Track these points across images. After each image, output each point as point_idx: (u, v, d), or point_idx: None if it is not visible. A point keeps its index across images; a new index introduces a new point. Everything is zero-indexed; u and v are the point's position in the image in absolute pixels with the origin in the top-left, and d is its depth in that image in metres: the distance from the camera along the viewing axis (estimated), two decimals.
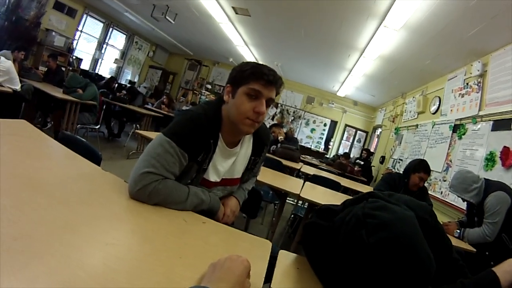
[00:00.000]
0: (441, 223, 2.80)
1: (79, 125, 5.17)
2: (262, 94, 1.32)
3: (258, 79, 1.30)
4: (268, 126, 8.56)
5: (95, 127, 5.55)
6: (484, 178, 2.90)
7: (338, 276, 0.93)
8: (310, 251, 1.11)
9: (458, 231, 2.82)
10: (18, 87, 4.25)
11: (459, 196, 2.96)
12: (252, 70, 1.31)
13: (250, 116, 1.32)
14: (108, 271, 0.73)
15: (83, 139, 1.86)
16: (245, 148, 1.57)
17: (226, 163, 1.48)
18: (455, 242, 2.59)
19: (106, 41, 10.85)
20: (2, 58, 4.07)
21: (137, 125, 7.28)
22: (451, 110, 5.36)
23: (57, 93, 4.81)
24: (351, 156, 10.40)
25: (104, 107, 5.94)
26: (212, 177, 1.44)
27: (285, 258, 1.14)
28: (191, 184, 1.36)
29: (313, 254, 1.09)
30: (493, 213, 2.63)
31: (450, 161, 4.90)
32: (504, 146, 3.56)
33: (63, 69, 8.09)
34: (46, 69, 6.61)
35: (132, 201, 1.18)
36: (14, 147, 1.31)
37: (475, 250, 2.53)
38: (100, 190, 1.21)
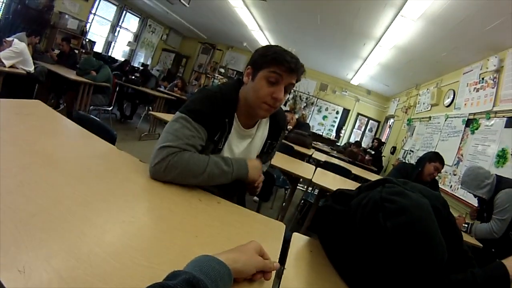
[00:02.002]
0: None
1: (91, 107, 5.23)
2: (281, 80, 1.30)
3: (279, 64, 1.28)
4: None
5: (108, 108, 5.61)
6: (496, 175, 2.90)
7: (351, 260, 0.95)
8: (324, 235, 1.12)
9: (466, 225, 2.84)
10: (31, 68, 4.30)
11: (470, 192, 2.97)
12: (274, 55, 1.29)
13: (268, 101, 1.31)
14: (125, 248, 0.74)
15: (98, 119, 1.89)
16: (262, 131, 1.56)
17: (241, 144, 1.48)
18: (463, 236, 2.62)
19: (120, 24, 10.85)
20: (16, 40, 4.11)
21: (150, 108, 7.31)
22: (465, 104, 5.32)
23: (71, 75, 4.85)
24: (364, 145, 10.38)
25: (117, 89, 5.98)
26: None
27: (298, 240, 1.15)
28: None
29: (327, 237, 1.11)
30: (502, 209, 2.63)
31: (462, 155, 4.88)
32: None
33: (76, 51, 8.14)
34: (59, 51, 6.66)
35: (148, 180, 1.19)
36: (31, 126, 1.34)
37: (481, 245, 2.56)
38: (116, 168, 1.22)
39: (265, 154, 1.64)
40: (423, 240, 0.82)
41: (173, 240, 0.85)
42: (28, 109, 1.51)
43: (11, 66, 3.98)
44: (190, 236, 0.90)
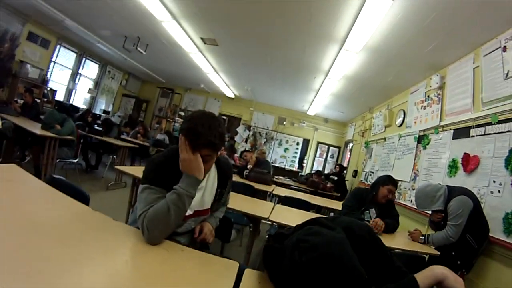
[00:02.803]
0: (408, 232, 3.03)
1: (58, 160, 5.21)
2: (212, 156, 1.60)
3: (208, 147, 1.54)
4: (242, 150, 8.71)
5: (73, 161, 5.59)
6: (446, 185, 3.15)
7: None
8: (268, 268, 1.31)
9: (422, 237, 3.02)
10: None
11: (428, 210, 3.21)
12: (203, 139, 1.50)
13: None
14: None
15: (71, 182, 2.03)
16: (211, 182, 1.80)
17: (195, 197, 1.64)
18: (420, 248, 2.83)
19: (79, 71, 10.82)
20: None
21: (114, 156, 7.31)
22: (415, 122, 5.64)
23: (36, 128, 4.83)
24: (327, 171, 10.64)
25: (81, 140, 6.02)
26: None
27: (250, 275, 1.34)
28: None
29: (270, 270, 1.30)
30: (455, 215, 2.87)
31: (417, 170, 5.13)
32: (465, 153, 3.79)
33: (38, 101, 8.04)
34: (23, 102, 6.58)
35: (122, 238, 1.39)
36: (12, 193, 1.49)
37: (439, 253, 2.76)
38: (94, 229, 1.40)
39: (217, 202, 1.87)
40: (333, 268, 0.99)
41: (145, 285, 1.08)
42: (6, 175, 1.64)
43: None
44: (158, 281, 1.12)
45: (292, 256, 1.07)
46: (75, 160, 5.66)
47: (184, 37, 6.46)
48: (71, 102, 10.70)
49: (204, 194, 1.75)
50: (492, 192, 3.24)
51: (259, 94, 11.16)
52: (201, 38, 6.50)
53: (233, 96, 12.23)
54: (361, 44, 4.73)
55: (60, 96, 10.22)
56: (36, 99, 7.13)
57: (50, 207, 1.52)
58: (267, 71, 7.96)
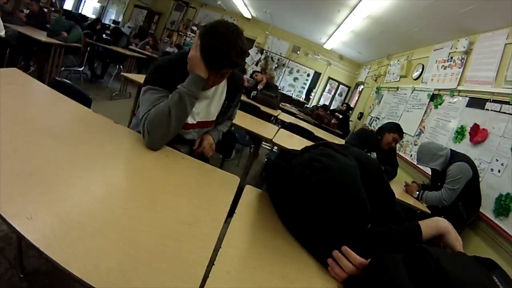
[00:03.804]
0: (404, 182, 3.06)
1: (63, 68, 5.14)
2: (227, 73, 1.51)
3: (229, 66, 1.45)
4: (251, 71, 8.55)
5: (79, 69, 5.52)
6: (450, 149, 3.13)
7: (289, 209, 1.16)
8: (270, 187, 1.32)
9: (418, 192, 3.06)
10: (2, 33, 4.18)
11: (426, 166, 3.20)
12: (226, 56, 1.39)
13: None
14: (107, 195, 0.97)
15: (74, 85, 1.99)
16: (219, 93, 1.71)
17: (200, 105, 1.61)
18: (413, 202, 2.86)
19: None
20: None
21: (121, 66, 7.20)
22: (432, 79, 5.48)
23: (42, 36, 4.69)
24: (333, 108, 10.58)
25: (88, 48, 5.88)
26: (189, 119, 1.58)
27: (250, 192, 1.35)
28: None
29: (272, 189, 1.30)
30: (453, 180, 2.87)
31: (424, 127, 5.11)
32: (475, 123, 3.73)
33: (46, 10, 7.68)
34: (28, 12, 6.30)
35: (122, 140, 1.39)
36: (14, 96, 1.45)
37: (430, 212, 2.79)
38: (94, 130, 1.39)
39: (223, 114, 1.81)
40: (342, 193, 0.99)
41: (144, 188, 1.09)
42: (7, 78, 1.59)
43: None
44: (158, 185, 1.13)
45: (301, 174, 1.06)
46: (81, 69, 5.61)
47: None
48: (80, 12, 10.28)
49: (210, 105, 1.69)
50: (492, 170, 3.24)
51: (277, 19, 10.65)
52: None
53: (249, 17, 11.70)
54: None
55: (68, 5, 9.83)
56: (43, 8, 6.80)
57: (51, 109, 1.50)
58: None
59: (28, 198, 0.80)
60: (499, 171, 3.14)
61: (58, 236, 0.72)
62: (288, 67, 12.49)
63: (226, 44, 1.35)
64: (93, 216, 0.84)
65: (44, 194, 0.85)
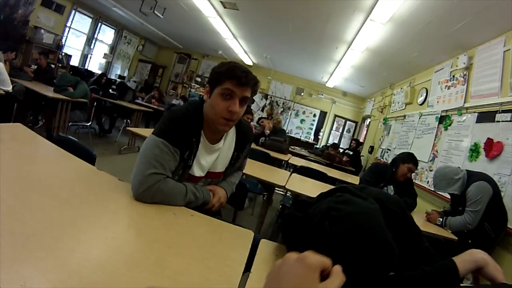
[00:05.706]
0: (425, 212, 2.93)
1: (70, 123, 5.20)
2: (235, 93, 1.41)
3: (231, 79, 1.39)
4: (257, 118, 8.64)
5: (86, 124, 5.58)
6: (466, 170, 3.02)
7: None
8: (288, 240, 1.22)
9: (441, 219, 2.93)
10: (9, 88, 4.26)
11: (445, 192, 3.09)
12: (226, 71, 1.41)
13: (224, 115, 1.42)
14: (109, 260, 0.87)
15: (77, 140, 1.96)
16: (228, 144, 1.66)
17: (210, 158, 1.57)
18: (436, 230, 2.71)
19: (95, 36, 10.74)
20: None
21: (128, 120, 7.31)
22: (438, 102, 5.45)
23: (48, 92, 4.82)
24: (342, 145, 10.51)
25: (95, 103, 5.97)
26: (197, 172, 1.54)
27: (266, 246, 1.24)
28: (179, 180, 1.46)
29: (290, 242, 1.20)
30: (474, 201, 2.75)
31: (436, 151, 4.99)
32: (488, 138, 3.63)
33: (53, 66, 8.02)
34: (36, 67, 6.56)
35: (127, 198, 1.30)
36: (16, 152, 1.41)
37: (456, 238, 2.64)
38: (97, 189, 1.32)
39: (232, 165, 1.74)
40: (366, 241, 0.90)
41: (150, 251, 0.98)
42: (10, 134, 1.57)
43: None
44: (165, 247, 1.02)
45: (320, 225, 0.97)
46: (88, 124, 5.66)
47: (203, 0, 6.26)
48: (86, 67, 10.69)
49: (219, 157, 1.64)
50: None
51: (278, 63, 10.88)
52: (221, 2, 6.28)
53: (251, 63, 11.95)
54: (388, 15, 4.50)
55: (75, 62, 10.22)
56: (50, 64, 7.10)
57: (55, 167, 1.45)
58: (288, 40, 7.71)
59: (25, 264, 0.74)
60: None
61: None
62: (294, 110, 12.59)
63: (239, 69, 1.41)
64: (92, 284, 0.76)
65: (42, 260, 0.77)
